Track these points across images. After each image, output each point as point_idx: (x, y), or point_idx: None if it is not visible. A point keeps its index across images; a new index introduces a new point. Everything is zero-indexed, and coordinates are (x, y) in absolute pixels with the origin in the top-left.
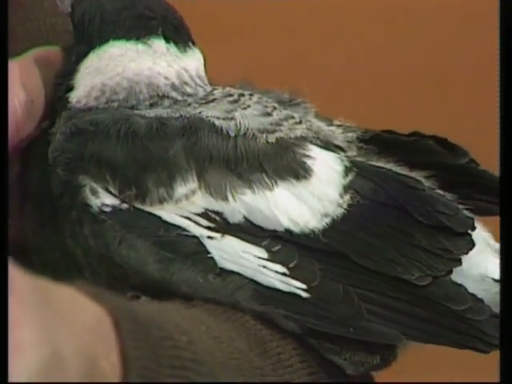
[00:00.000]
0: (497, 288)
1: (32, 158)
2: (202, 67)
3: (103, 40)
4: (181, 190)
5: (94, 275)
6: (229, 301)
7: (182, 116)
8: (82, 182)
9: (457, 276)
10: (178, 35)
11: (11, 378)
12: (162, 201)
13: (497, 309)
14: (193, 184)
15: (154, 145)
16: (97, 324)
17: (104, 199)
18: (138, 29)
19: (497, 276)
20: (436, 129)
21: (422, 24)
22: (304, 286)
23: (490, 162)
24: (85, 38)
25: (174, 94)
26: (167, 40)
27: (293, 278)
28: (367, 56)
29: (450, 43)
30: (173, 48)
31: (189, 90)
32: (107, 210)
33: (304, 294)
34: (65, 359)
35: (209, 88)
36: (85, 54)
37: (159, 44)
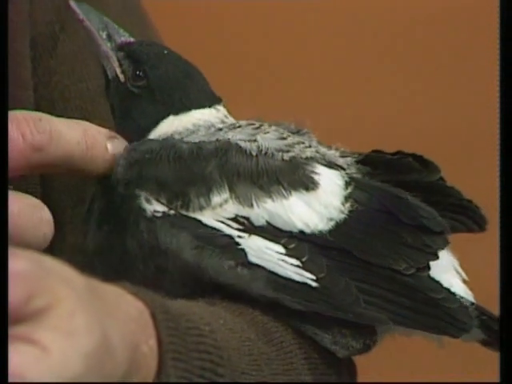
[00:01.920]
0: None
1: (98, 184)
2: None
3: (186, 109)
4: (216, 199)
5: (145, 266)
6: (248, 287)
7: (215, 140)
8: (138, 193)
9: (433, 275)
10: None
11: (68, 358)
12: (201, 208)
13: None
14: (225, 195)
15: (194, 165)
16: (138, 315)
17: (156, 207)
18: (208, 100)
19: (457, 289)
20: (435, 128)
21: (422, 24)
22: (314, 277)
23: (490, 160)
24: (164, 101)
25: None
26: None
27: (305, 269)
28: (367, 57)
29: (449, 44)
30: (220, 109)
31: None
32: (158, 215)
33: (314, 284)
34: (113, 343)
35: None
36: (165, 115)
37: (220, 107)
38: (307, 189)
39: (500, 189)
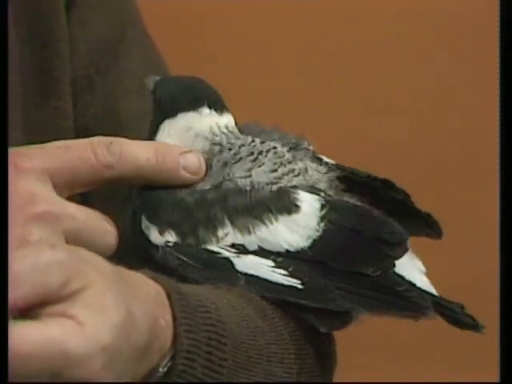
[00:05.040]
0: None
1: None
2: (231, 123)
3: (174, 113)
4: (220, 234)
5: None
6: (249, 291)
7: (216, 187)
8: (151, 229)
9: (398, 270)
10: (216, 104)
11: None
12: (207, 242)
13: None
14: (227, 229)
15: (201, 212)
16: (156, 295)
17: (168, 238)
18: (194, 103)
19: (417, 282)
20: (436, 128)
21: (422, 24)
22: (299, 282)
23: (490, 161)
24: (162, 111)
25: (212, 137)
26: (210, 107)
27: (292, 277)
28: (367, 56)
29: (449, 44)
30: (213, 111)
31: (218, 137)
32: (170, 244)
33: (300, 286)
34: (136, 317)
35: (239, 138)
36: (161, 121)
37: (205, 110)
38: (290, 212)
39: (500, 188)
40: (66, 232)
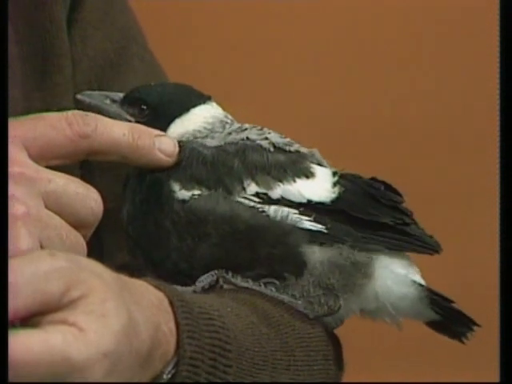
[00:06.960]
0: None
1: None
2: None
3: (185, 110)
4: (245, 183)
5: (181, 240)
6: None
7: (233, 143)
8: (173, 187)
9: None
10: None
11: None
12: (233, 192)
13: None
14: (249, 181)
15: (225, 165)
16: (159, 302)
17: (194, 191)
18: (201, 99)
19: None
20: (436, 128)
21: (422, 23)
22: (324, 227)
23: (489, 160)
24: (164, 113)
25: (217, 126)
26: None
27: (316, 222)
28: (367, 56)
29: (449, 43)
30: (213, 104)
31: (220, 125)
32: (195, 197)
33: (325, 231)
34: (139, 324)
35: (236, 123)
36: (170, 121)
37: (213, 102)
38: (307, 177)
39: (500, 187)
40: (44, 194)
